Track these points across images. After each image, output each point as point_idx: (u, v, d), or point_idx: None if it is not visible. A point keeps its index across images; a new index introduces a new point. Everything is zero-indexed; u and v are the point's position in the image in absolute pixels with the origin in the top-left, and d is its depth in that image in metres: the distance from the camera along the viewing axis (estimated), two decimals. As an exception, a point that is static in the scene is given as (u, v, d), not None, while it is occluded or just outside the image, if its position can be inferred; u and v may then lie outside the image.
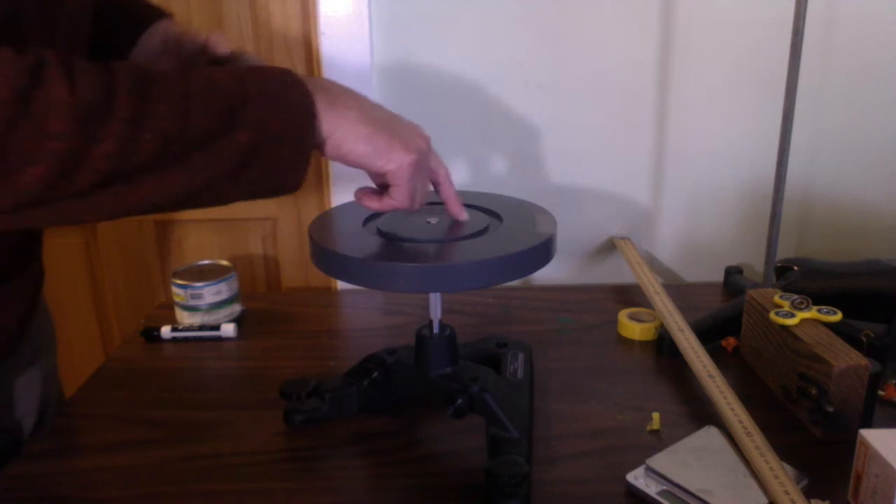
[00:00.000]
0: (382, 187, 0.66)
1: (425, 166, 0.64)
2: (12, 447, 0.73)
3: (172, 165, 0.52)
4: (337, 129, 0.58)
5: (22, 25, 0.56)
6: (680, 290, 1.04)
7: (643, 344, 0.93)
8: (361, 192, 0.67)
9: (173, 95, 0.51)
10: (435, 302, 0.73)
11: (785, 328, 0.77)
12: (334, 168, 1.12)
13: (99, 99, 0.48)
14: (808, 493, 0.61)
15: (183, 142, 0.51)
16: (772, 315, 0.79)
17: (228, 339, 0.97)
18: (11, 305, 0.70)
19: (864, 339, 0.81)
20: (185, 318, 0.99)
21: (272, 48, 1.11)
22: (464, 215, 0.72)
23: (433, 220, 0.72)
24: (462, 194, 0.81)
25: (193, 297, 0.97)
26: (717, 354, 0.83)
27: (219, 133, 0.53)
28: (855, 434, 0.62)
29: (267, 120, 0.54)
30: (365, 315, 1.06)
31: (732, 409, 0.71)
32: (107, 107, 0.48)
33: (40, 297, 0.78)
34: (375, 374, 0.76)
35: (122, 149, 0.49)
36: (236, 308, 1.01)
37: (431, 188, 0.69)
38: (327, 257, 0.67)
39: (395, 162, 0.61)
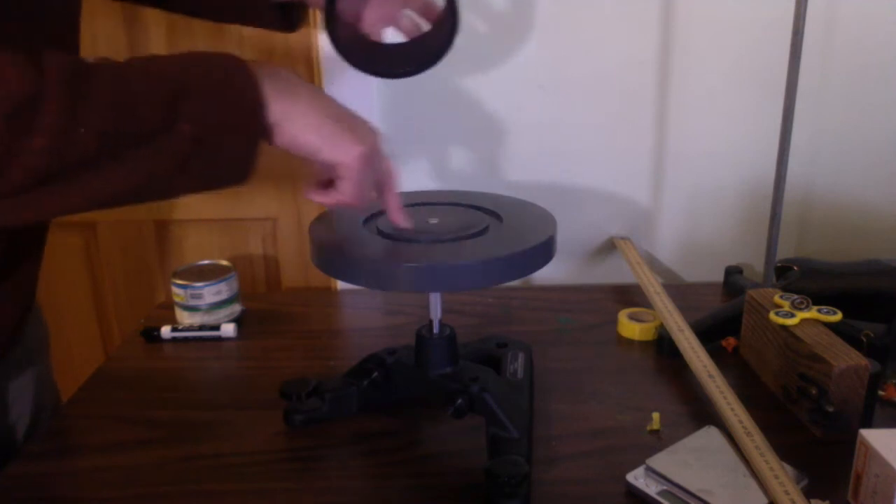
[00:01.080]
0: (330, 182, 0.63)
1: (375, 162, 0.62)
2: (6, 450, 0.73)
3: (113, 161, 0.50)
4: (285, 117, 0.56)
5: None
6: (680, 290, 1.04)
7: (643, 344, 0.93)
8: (308, 186, 0.64)
9: (109, 89, 0.49)
10: (435, 302, 0.73)
11: (785, 328, 0.77)
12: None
13: (29, 91, 0.46)
14: (808, 493, 0.61)
15: (121, 136, 0.49)
16: (772, 315, 0.79)
17: (228, 339, 0.97)
18: (3, 309, 0.70)
19: (864, 339, 0.81)
20: (185, 318, 0.99)
21: (272, 48, 1.11)
22: (405, 222, 0.69)
23: (433, 220, 0.72)
24: (462, 194, 0.81)
25: (193, 297, 0.97)
26: (717, 354, 0.83)
27: (160, 126, 0.51)
28: (855, 434, 0.62)
29: (210, 109, 0.52)
30: (365, 315, 1.06)
31: (732, 409, 0.71)
32: (37, 101, 0.46)
33: (34, 301, 0.77)
34: (375, 374, 0.76)
35: (56, 144, 0.47)
36: (236, 308, 1.01)
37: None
38: (327, 257, 0.67)
39: (344, 153, 0.59)
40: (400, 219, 0.69)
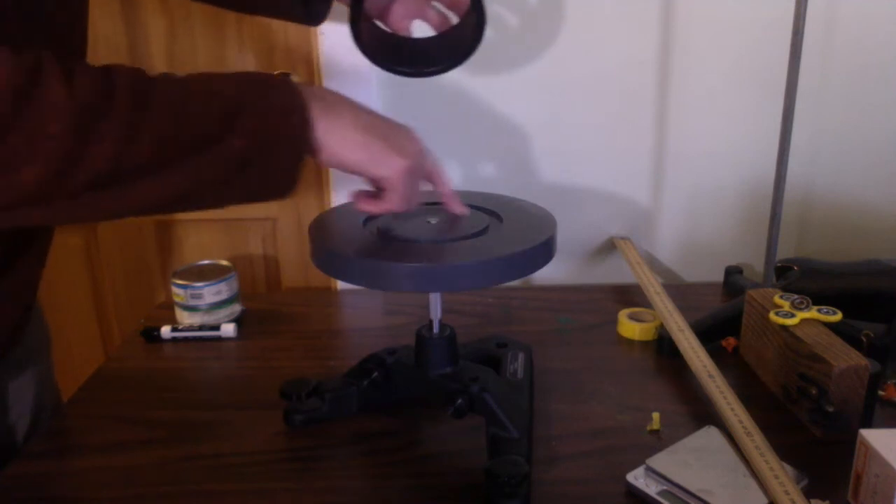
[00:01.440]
0: (378, 190, 0.66)
1: (420, 170, 0.65)
2: (6, 450, 0.73)
3: (168, 168, 0.52)
4: (331, 136, 0.59)
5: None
6: (680, 290, 1.04)
7: (643, 344, 0.93)
8: (357, 195, 0.68)
9: (171, 100, 0.52)
10: (435, 302, 0.73)
11: (785, 328, 0.77)
12: (334, 169, 1.12)
13: (96, 101, 0.48)
14: (808, 493, 0.61)
15: (179, 146, 0.52)
16: (772, 315, 0.79)
17: (228, 339, 0.97)
18: (3, 309, 0.70)
19: (864, 339, 0.81)
20: (185, 318, 0.99)
21: (272, 49, 1.11)
22: (463, 210, 0.73)
23: (433, 221, 0.72)
24: (462, 194, 0.81)
25: (193, 297, 0.97)
26: (717, 354, 0.83)
27: (215, 138, 0.53)
28: (855, 434, 0.62)
29: (262, 127, 0.55)
30: (365, 315, 1.06)
31: (732, 409, 0.71)
32: (104, 109, 0.48)
33: (35, 302, 0.77)
34: (375, 374, 0.76)
35: (119, 151, 0.49)
36: (236, 308, 1.01)
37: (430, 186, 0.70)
38: (327, 257, 0.67)
39: (389, 168, 0.62)
40: (457, 207, 0.73)
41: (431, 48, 0.80)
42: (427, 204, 0.78)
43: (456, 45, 0.77)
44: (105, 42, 1.10)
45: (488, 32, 0.74)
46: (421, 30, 0.82)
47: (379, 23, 0.81)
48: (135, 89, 0.50)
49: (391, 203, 0.64)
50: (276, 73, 0.62)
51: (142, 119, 0.50)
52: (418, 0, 0.80)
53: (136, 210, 0.54)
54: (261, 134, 0.55)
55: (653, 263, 1.17)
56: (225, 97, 0.55)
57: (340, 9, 0.81)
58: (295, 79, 0.60)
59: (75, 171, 0.49)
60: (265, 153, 0.56)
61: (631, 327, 0.94)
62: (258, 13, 0.94)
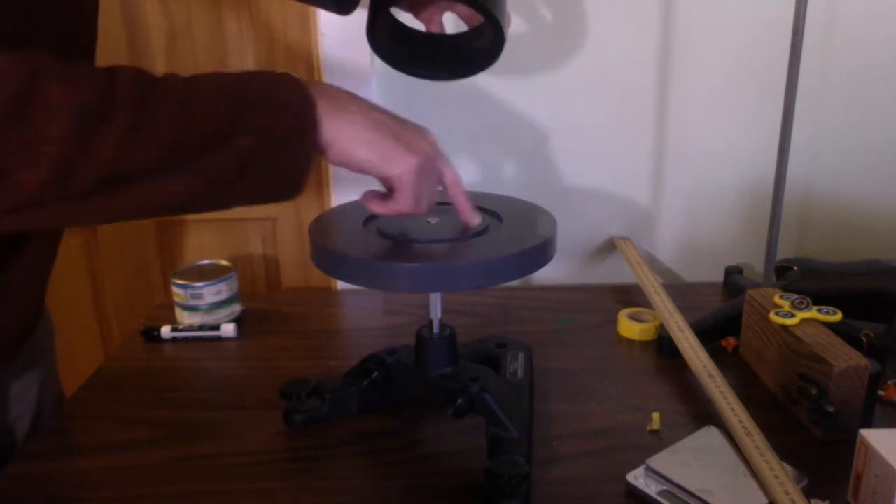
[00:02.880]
0: (389, 190, 0.65)
1: (431, 170, 0.63)
2: (5, 450, 0.73)
3: (172, 170, 0.52)
4: (340, 134, 0.58)
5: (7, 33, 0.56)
6: (680, 290, 1.04)
7: (643, 344, 0.93)
8: (367, 196, 0.66)
9: (175, 100, 0.51)
10: (435, 302, 0.73)
11: (785, 328, 0.77)
12: (334, 168, 1.12)
13: (97, 102, 0.48)
14: (808, 493, 0.61)
15: (183, 147, 0.52)
16: (772, 315, 0.79)
17: (228, 339, 0.97)
18: (11, 307, 0.70)
19: (864, 339, 0.81)
20: (185, 318, 0.99)
21: (272, 49, 1.11)
22: (475, 220, 0.70)
23: (433, 220, 0.72)
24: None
25: (193, 297, 0.97)
26: (717, 354, 0.83)
27: (220, 138, 0.53)
28: (855, 434, 0.62)
29: (269, 125, 0.54)
30: (365, 315, 1.06)
31: (732, 409, 0.71)
32: (106, 111, 0.48)
33: (45, 301, 0.77)
34: (375, 374, 0.76)
35: (121, 153, 0.49)
36: (236, 308, 1.01)
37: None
38: (327, 257, 0.67)
39: (398, 167, 0.60)
40: (469, 215, 0.69)
41: (446, 53, 0.79)
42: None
43: (469, 55, 0.77)
44: (105, 42, 1.10)
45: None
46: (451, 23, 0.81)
47: (398, 15, 0.79)
48: (137, 90, 0.50)
49: (400, 204, 0.63)
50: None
51: (144, 120, 0.50)
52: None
53: (141, 212, 0.54)
54: (267, 132, 0.54)
55: (653, 263, 1.17)
56: (231, 96, 0.54)
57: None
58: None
59: (77, 174, 0.48)
60: (272, 152, 0.55)
61: (631, 327, 0.94)
62: None
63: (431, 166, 0.63)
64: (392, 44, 0.77)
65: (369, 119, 0.60)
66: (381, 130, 0.60)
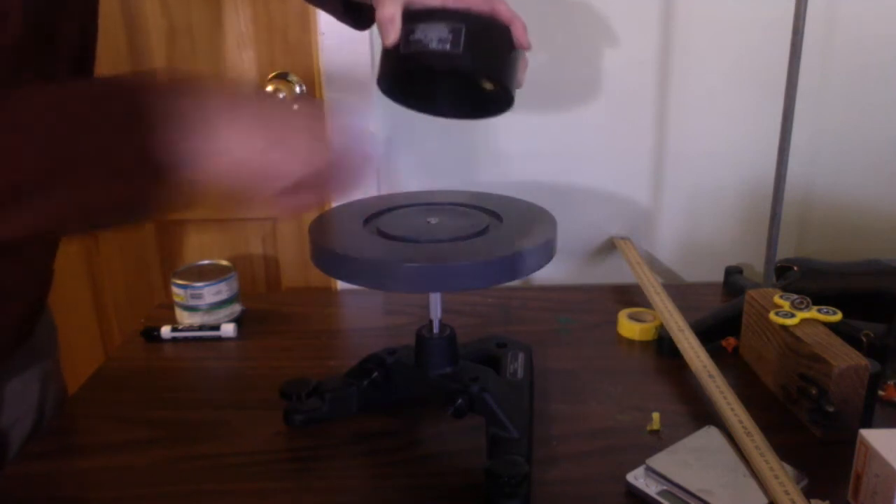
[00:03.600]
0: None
1: (332, 170, 0.54)
2: (6, 449, 0.73)
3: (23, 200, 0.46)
4: (202, 156, 0.48)
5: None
6: (680, 290, 1.04)
7: (643, 344, 0.93)
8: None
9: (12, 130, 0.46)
10: (435, 302, 0.73)
11: (785, 328, 0.77)
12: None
13: None
14: (808, 493, 0.61)
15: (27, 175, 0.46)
16: (772, 315, 0.79)
17: (228, 339, 0.97)
18: (10, 307, 0.70)
19: (864, 339, 0.81)
20: (185, 318, 0.99)
21: (272, 49, 1.11)
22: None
23: (433, 221, 0.72)
24: (462, 194, 0.81)
25: (193, 297, 0.97)
26: (717, 354, 0.83)
27: (48, 174, 0.46)
28: (855, 434, 0.62)
29: (100, 154, 0.47)
30: (365, 315, 1.06)
31: (732, 409, 0.71)
32: None
33: (47, 299, 0.77)
34: (375, 374, 0.76)
35: None
36: (236, 308, 1.01)
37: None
38: (327, 257, 0.67)
39: (285, 180, 0.51)
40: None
41: (453, 94, 0.78)
42: (427, 204, 0.78)
43: (477, 103, 0.77)
44: (105, 42, 1.10)
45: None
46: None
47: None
48: None
49: (309, 199, 0.55)
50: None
51: None
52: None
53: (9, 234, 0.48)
54: (97, 161, 0.47)
55: (653, 263, 1.17)
56: (77, 120, 0.47)
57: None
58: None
59: None
60: (104, 184, 0.48)
61: (631, 327, 0.94)
62: (313, 4, 0.88)
63: (329, 166, 0.54)
64: (398, 81, 0.74)
65: (243, 132, 0.50)
66: (259, 141, 0.50)
